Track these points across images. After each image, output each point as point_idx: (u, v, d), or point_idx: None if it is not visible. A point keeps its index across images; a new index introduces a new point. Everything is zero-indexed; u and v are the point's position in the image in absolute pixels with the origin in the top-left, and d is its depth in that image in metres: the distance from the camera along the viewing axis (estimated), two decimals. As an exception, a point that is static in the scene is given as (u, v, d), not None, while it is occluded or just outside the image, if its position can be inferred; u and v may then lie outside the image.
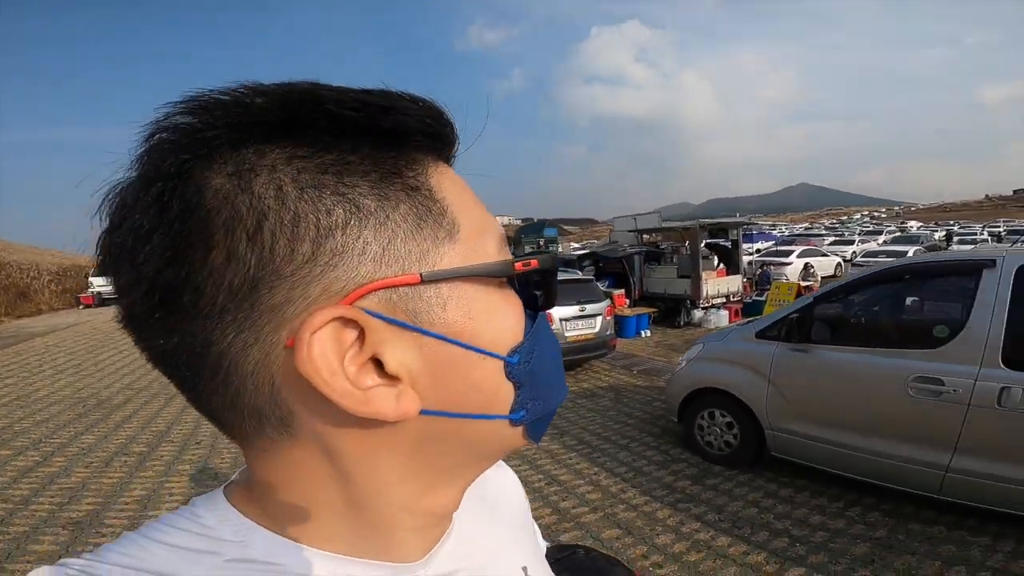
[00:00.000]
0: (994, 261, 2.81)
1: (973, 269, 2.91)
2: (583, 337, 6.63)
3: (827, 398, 3.32)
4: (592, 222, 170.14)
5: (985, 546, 2.82)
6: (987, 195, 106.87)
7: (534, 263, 0.33)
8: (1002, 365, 2.65)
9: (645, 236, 12.47)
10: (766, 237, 31.43)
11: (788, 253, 17.42)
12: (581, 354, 6.73)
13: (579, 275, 7.66)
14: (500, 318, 0.32)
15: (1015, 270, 2.72)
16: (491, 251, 0.32)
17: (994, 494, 2.77)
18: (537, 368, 0.33)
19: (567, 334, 6.47)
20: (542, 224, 23.68)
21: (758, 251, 20.42)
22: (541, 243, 20.14)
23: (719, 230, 11.89)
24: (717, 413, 3.93)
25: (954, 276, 3.18)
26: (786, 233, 40.94)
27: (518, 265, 0.32)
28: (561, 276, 7.32)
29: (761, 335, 3.66)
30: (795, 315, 3.43)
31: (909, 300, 3.50)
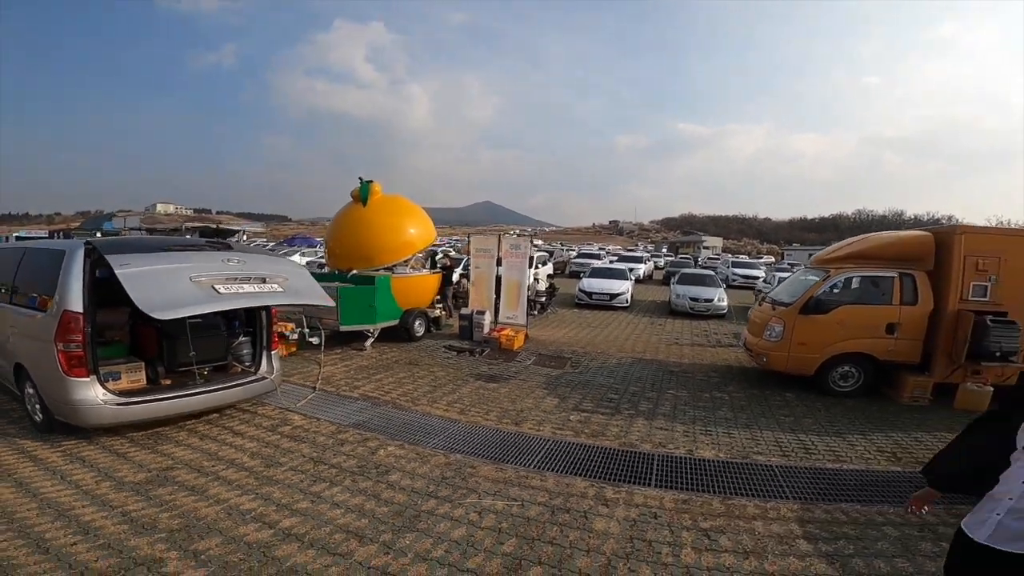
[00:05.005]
0: (68, 248, 4.40)
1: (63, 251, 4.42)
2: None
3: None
4: (286, 219, 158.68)
5: None
6: (593, 223, 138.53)
7: None
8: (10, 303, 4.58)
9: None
10: (309, 243, 31.97)
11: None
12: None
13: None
14: None
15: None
16: None
17: None
18: None
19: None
20: (108, 217, 21.95)
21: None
22: (98, 234, 18.71)
23: (228, 232, 13.73)
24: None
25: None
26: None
27: None
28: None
29: None
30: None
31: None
